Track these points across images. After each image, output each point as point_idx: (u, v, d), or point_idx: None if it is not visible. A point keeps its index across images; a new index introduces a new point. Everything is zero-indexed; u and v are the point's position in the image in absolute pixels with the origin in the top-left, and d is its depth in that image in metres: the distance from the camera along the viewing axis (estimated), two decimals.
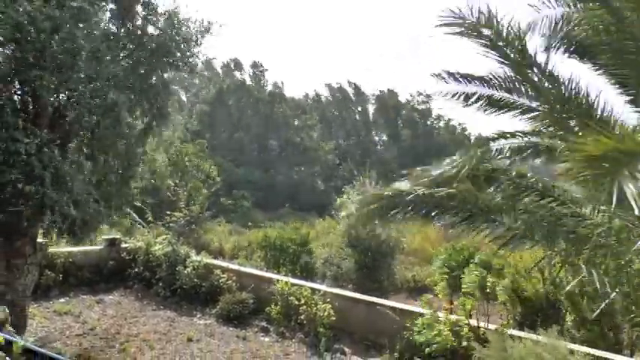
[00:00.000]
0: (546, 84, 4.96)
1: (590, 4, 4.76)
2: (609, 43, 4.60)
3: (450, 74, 5.47)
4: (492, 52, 4.95)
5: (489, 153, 5.39)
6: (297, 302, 9.79)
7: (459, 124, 61.19)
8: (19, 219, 7.14)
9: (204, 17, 8.68)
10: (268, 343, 9.36)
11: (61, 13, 6.52)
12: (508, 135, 5.41)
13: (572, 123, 4.91)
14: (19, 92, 7.26)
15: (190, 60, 8.68)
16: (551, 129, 5.20)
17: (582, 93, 4.89)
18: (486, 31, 4.89)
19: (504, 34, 4.84)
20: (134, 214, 10.07)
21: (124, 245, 13.14)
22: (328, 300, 9.65)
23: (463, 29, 4.95)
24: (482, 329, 7.88)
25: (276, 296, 10.18)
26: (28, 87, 6.83)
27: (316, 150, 51.37)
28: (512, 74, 5.11)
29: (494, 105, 5.42)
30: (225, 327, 10.02)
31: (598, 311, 7.56)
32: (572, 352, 6.05)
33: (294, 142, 50.58)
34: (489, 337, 7.08)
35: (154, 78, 8.28)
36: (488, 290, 8.77)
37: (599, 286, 4.30)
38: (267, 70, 55.97)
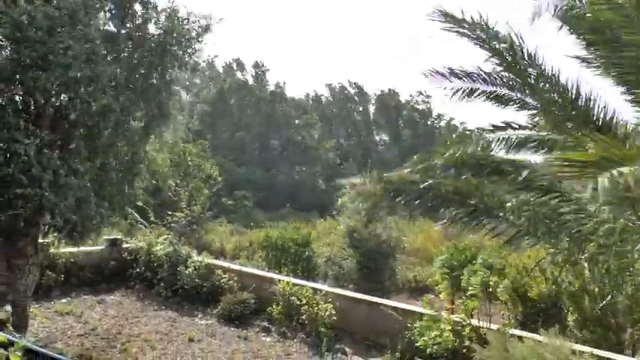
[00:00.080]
0: (544, 85, 4.99)
1: None
2: (611, 41, 4.59)
3: (452, 72, 5.48)
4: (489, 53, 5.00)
5: (488, 144, 5.40)
6: (298, 302, 9.78)
7: (461, 123, 61.17)
8: (18, 220, 7.14)
9: (204, 14, 8.60)
10: (270, 343, 9.35)
11: (60, 14, 6.52)
12: (509, 127, 5.41)
13: (569, 125, 4.93)
14: (20, 93, 7.25)
15: (192, 58, 8.64)
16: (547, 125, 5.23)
17: (582, 97, 4.91)
18: (482, 35, 4.94)
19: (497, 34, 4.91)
20: (136, 215, 10.06)
21: (125, 245, 13.15)
22: (329, 300, 9.64)
23: (460, 29, 5.00)
24: (483, 329, 7.86)
25: (277, 296, 10.17)
26: (28, 87, 6.81)
27: (317, 149, 51.39)
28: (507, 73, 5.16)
29: (498, 100, 5.44)
30: (227, 327, 10.02)
31: (600, 311, 7.55)
32: (574, 352, 6.02)
33: (295, 140, 50.60)
34: (491, 337, 7.06)
35: (155, 77, 8.26)
36: (490, 290, 8.76)
37: (603, 283, 4.32)
38: (268, 70, 56.14)
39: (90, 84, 7.03)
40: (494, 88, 5.42)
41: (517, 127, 5.40)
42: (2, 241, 7.58)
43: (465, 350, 7.61)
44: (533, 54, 5.08)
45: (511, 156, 5.45)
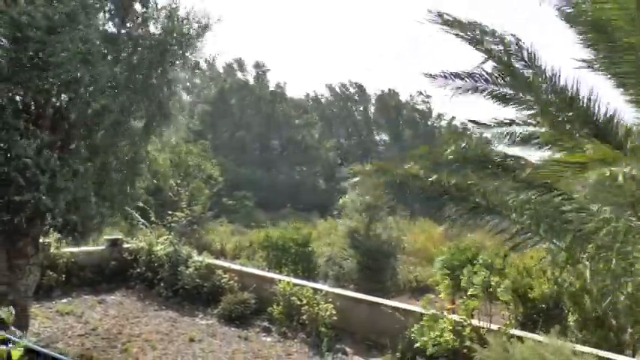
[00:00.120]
0: (543, 86, 4.99)
1: None
2: (612, 39, 4.59)
3: (455, 75, 5.49)
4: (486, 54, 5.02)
5: (493, 136, 5.41)
6: (299, 302, 9.77)
7: (461, 123, 61.09)
8: (19, 220, 7.13)
9: (204, 12, 8.58)
10: (270, 343, 9.35)
11: (59, 14, 6.51)
12: (514, 123, 5.41)
13: (568, 127, 4.93)
14: (20, 93, 7.24)
15: (193, 57, 8.62)
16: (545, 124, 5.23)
17: (582, 97, 4.91)
18: (479, 36, 4.96)
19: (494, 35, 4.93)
20: (137, 215, 10.05)
21: (126, 245, 13.14)
22: (330, 300, 9.64)
23: (456, 32, 5.02)
24: (484, 329, 7.86)
25: (277, 296, 10.17)
26: (28, 87, 6.80)
27: (317, 149, 51.40)
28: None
29: (499, 99, 5.44)
30: (227, 327, 10.02)
31: (601, 311, 7.54)
32: (575, 352, 6.01)
33: (296, 140, 50.61)
34: (491, 337, 7.05)
35: (155, 77, 8.24)
36: (491, 290, 8.75)
37: (604, 282, 4.32)
38: (269, 70, 56.07)
39: (90, 84, 7.02)
40: (495, 87, 5.42)
41: (522, 123, 5.40)
42: (3, 241, 7.58)
43: (465, 350, 7.60)
44: (532, 54, 5.07)
45: (514, 152, 5.46)
